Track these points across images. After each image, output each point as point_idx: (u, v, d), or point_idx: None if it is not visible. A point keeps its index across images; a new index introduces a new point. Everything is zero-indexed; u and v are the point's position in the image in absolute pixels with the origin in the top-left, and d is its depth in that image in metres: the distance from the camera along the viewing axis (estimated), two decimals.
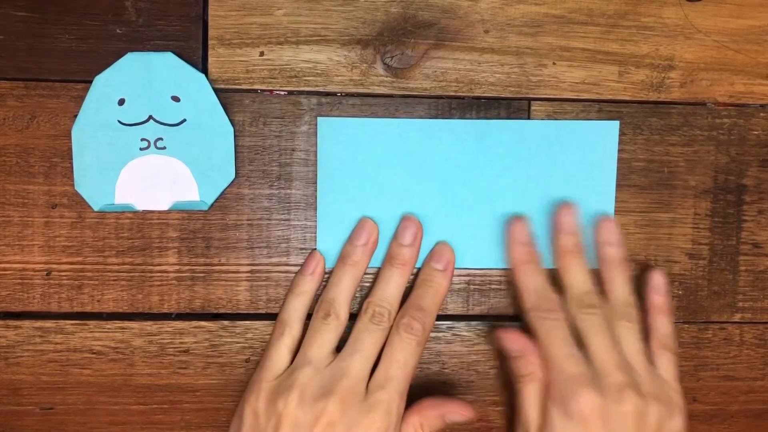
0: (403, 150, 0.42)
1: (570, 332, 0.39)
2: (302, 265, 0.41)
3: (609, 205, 0.42)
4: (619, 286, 0.41)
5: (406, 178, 0.42)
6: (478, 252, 0.42)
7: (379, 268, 0.41)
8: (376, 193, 0.42)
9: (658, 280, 0.42)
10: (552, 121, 0.42)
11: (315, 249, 0.41)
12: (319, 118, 0.41)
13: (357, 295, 0.42)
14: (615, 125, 0.42)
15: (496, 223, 0.42)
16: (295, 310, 0.40)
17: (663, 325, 0.41)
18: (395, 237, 0.41)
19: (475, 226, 0.42)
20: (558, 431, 0.37)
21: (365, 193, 0.42)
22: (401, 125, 0.42)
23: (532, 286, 0.40)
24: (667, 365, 0.40)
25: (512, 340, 0.40)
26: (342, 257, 0.41)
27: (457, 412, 0.39)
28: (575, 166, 0.42)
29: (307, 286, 0.41)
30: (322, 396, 0.36)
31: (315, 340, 0.39)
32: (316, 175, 0.42)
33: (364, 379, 0.38)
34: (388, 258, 0.41)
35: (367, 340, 0.38)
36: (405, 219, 0.41)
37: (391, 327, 0.39)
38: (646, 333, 0.41)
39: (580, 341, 0.39)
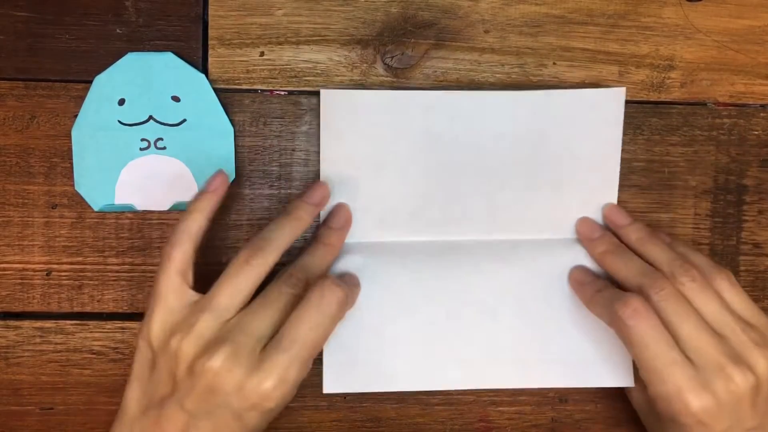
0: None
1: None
2: (205, 184, 0.38)
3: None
4: (660, 253, 0.39)
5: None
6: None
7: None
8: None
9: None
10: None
11: (221, 169, 0.39)
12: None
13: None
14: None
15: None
16: (186, 229, 0.36)
17: (699, 261, 0.39)
18: (324, 220, 0.41)
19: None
20: None
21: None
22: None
23: (634, 268, 0.38)
24: (734, 298, 0.38)
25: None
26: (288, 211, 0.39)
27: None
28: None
29: (204, 203, 0.37)
30: (214, 345, 0.34)
31: (228, 285, 0.35)
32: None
33: (260, 338, 0.34)
34: (316, 237, 0.40)
35: (275, 300, 0.36)
36: (337, 206, 0.41)
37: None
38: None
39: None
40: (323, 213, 0.41)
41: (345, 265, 0.41)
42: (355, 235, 0.41)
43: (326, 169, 0.41)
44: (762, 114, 0.43)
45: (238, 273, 0.36)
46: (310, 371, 0.35)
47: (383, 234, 0.41)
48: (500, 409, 0.44)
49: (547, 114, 0.41)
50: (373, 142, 0.41)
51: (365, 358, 0.41)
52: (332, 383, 0.41)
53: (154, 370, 0.35)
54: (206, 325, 0.35)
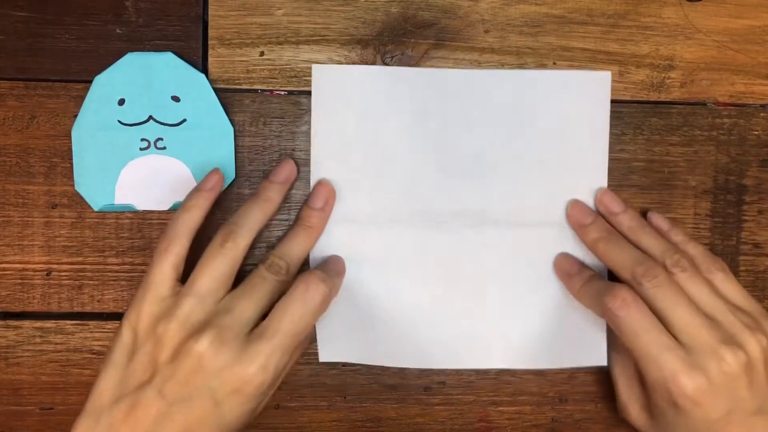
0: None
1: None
2: (202, 182, 0.39)
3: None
4: (653, 243, 0.39)
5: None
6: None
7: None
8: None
9: (659, 221, 0.42)
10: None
11: (216, 168, 0.39)
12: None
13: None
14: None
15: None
16: (183, 224, 0.37)
17: (694, 251, 0.40)
18: (306, 200, 0.41)
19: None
20: (677, 428, 0.37)
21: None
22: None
23: (627, 256, 0.38)
24: (727, 286, 0.39)
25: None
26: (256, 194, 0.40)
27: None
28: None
29: (201, 201, 0.38)
30: (200, 328, 0.35)
31: (207, 269, 0.36)
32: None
33: (245, 323, 0.35)
34: (298, 219, 0.41)
35: (259, 286, 0.37)
36: (318, 184, 0.41)
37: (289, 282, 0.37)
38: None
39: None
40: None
41: (332, 242, 0.41)
42: (344, 212, 0.41)
43: (317, 145, 0.41)
44: (762, 114, 0.43)
45: (215, 257, 0.36)
46: (306, 373, 0.35)
47: (372, 211, 0.42)
48: (500, 409, 0.44)
49: (535, 93, 0.42)
50: (363, 118, 0.41)
51: (357, 333, 0.41)
52: (327, 353, 0.41)
53: (134, 357, 0.35)
54: (190, 308, 0.35)
